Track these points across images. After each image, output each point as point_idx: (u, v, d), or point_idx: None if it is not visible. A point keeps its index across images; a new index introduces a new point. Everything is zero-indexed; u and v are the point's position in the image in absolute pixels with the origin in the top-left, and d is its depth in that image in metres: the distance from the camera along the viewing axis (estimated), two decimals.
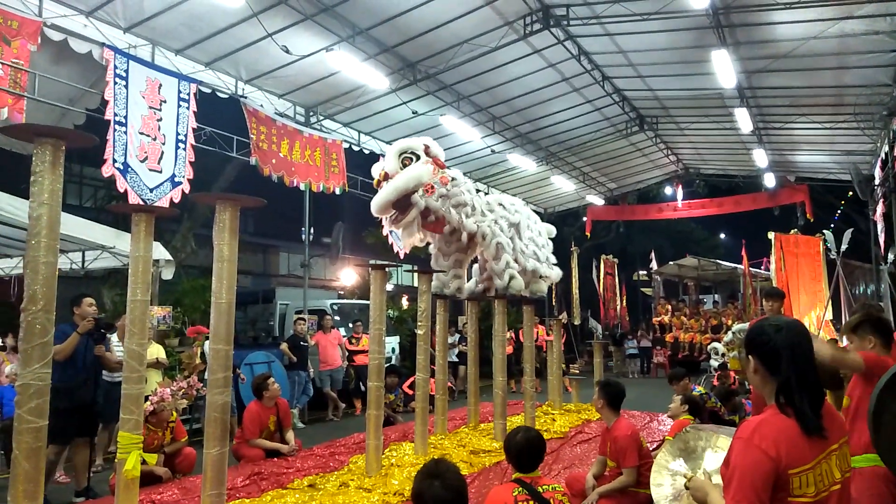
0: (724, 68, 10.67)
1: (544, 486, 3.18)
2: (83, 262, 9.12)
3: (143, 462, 4.07)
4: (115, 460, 3.92)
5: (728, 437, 2.55)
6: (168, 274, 8.74)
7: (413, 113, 12.32)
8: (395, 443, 6.44)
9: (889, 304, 14.57)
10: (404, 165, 5.90)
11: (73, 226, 7.51)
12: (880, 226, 15.16)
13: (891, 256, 15.15)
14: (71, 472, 6.23)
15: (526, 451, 3.27)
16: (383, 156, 12.84)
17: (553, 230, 8.22)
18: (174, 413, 5.89)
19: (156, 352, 7.58)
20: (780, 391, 1.86)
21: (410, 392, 9.44)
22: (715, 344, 12.76)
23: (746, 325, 11.09)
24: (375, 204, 5.94)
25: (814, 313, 14.60)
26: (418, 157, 6.00)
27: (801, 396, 1.83)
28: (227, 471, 3.92)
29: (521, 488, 3.12)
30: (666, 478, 2.63)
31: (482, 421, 7.57)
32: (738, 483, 1.78)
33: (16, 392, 3.07)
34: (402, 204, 5.91)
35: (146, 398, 5.28)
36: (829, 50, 10.38)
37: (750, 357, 1.96)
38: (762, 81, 12.28)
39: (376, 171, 6.16)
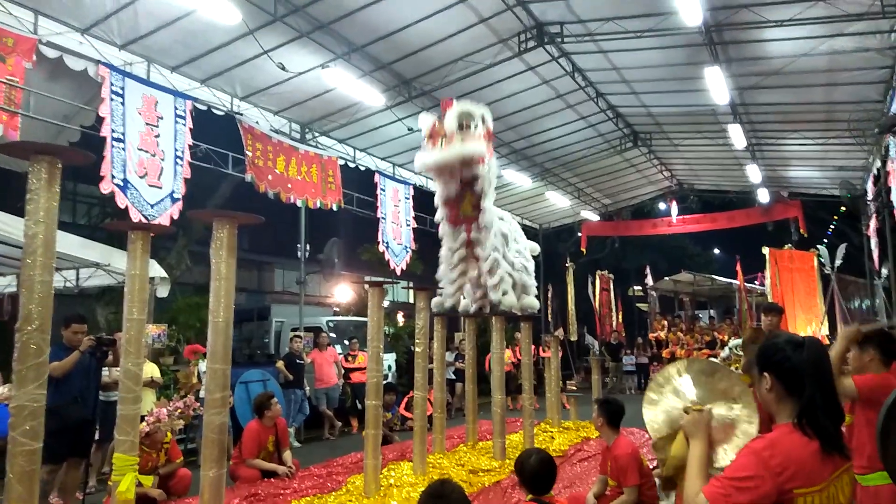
0: (716, 85, 10.76)
1: None
2: (77, 280, 9.04)
3: (138, 484, 4.00)
4: (110, 482, 3.85)
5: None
6: (163, 292, 8.67)
7: (409, 130, 12.33)
8: (394, 462, 6.37)
9: (884, 319, 14.61)
10: (461, 127, 6.00)
11: (68, 244, 7.45)
12: (874, 241, 15.24)
13: (884, 271, 15.22)
14: (63, 493, 6.12)
15: (541, 473, 3.23)
16: (380, 172, 12.85)
17: (536, 248, 8.09)
18: (169, 434, 5.81)
19: (150, 371, 7.50)
20: (803, 411, 1.81)
21: (408, 415, 9.35)
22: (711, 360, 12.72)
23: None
24: (431, 162, 6.12)
25: (809, 328, 14.64)
26: (476, 124, 6.11)
27: (825, 416, 1.80)
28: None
29: None
30: (662, 404, 2.62)
31: (480, 439, 7.50)
32: (731, 479, 1.78)
33: (9, 413, 3.01)
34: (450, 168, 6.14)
35: (142, 418, 5.20)
36: (820, 67, 10.49)
37: (766, 375, 1.90)
38: (755, 98, 12.38)
39: (425, 123, 6.27)
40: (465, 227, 6.50)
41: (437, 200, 6.56)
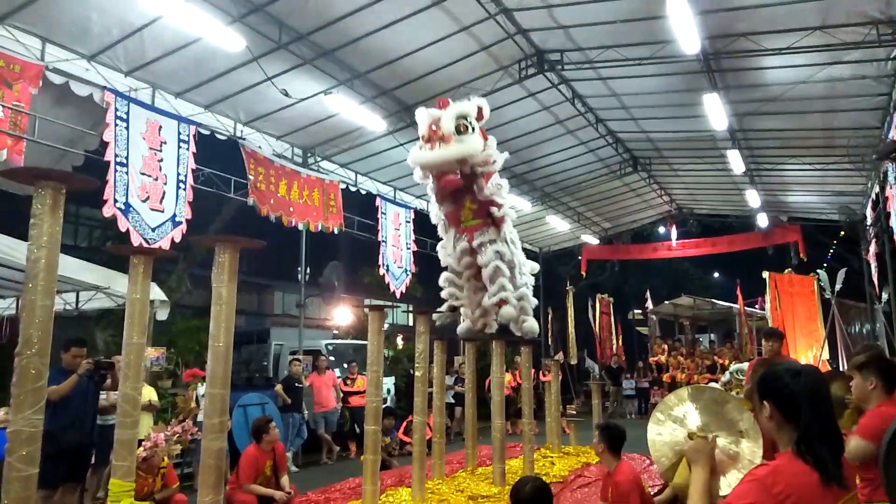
0: (715, 111, 10.87)
1: None
2: (77, 302, 9.05)
3: None
4: None
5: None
6: (163, 314, 8.67)
7: None
8: (392, 488, 6.31)
9: (885, 343, 14.55)
10: (458, 130, 5.94)
11: (68, 266, 7.47)
12: (874, 265, 15.25)
13: (885, 296, 15.20)
14: None
15: (536, 502, 3.20)
16: (381, 196, 12.92)
17: (536, 267, 7.94)
18: (165, 458, 5.77)
19: (148, 394, 7.46)
20: (801, 439, 1.81)
21: (407, 440, 9.29)
22: (712, 384, 12.65)
23: (745, 366, 11.03)
24: (426, 161, 6.00)
25: (810, 353, 14.58)
26: (472, 126, 6.08)
27: (821, 444, 1.79)
28: None
29: None
30: (666, 426, 2.59)
31: (480, 464, 7.44)
32: None
33: (6, 438, 3.00)
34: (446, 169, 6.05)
35: (139, 443, 5.17)
36: (818, 94, 10.60)
37: (765, 403, 1.91)
38: (753, 124, 12.49)
39: (422, 120, 6.14)
40: (467, 237, 6.42)
41: (434, 204, 6.52)
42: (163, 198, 8.13)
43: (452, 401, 12.66)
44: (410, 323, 10.07)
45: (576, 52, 10.22)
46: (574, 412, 13.84)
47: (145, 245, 7.48)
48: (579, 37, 9.82)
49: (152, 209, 7.97)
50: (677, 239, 20.40)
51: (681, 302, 21.31)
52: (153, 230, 7.93)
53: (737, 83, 10.80)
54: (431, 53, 9.56)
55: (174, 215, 8.26)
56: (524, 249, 7.94)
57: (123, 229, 7.66)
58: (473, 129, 6.05)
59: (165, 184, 8.19)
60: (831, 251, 20.97)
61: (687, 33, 8.38)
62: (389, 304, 7.55)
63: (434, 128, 5.96)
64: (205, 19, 7.42)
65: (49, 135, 8.04)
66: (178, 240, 8.24)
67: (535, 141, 13.48)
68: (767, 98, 10.97)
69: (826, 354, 14.56)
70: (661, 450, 2.62)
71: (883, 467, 2.70)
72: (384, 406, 9.37)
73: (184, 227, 8.37)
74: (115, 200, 7.53)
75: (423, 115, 6.20)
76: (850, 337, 15.67)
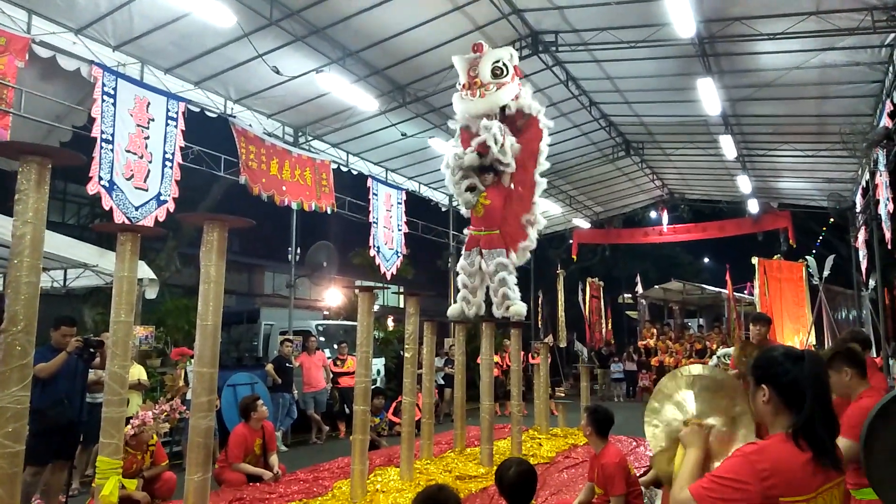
0: (709, 96, 10.84)
1: None
2: (65, 280, 8.98)
3: (122, 487, 3.97)
4: (93, 485, 3.82)
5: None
6: (152, 293, 8.62)
7: (402, 135, 12.35)
8: (381, 467, 6.35)
9: (870, 330, 14.71)
10: (494, 74, 6.71)
11: (56, 244, 7.41)
12: (862, 252, 15.36)
13: (872, 282, 15.34)
14: (46, 495, 6.06)
15: (520, 485, 3.22)
16: (373, 177, 12.87)
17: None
18: (154, 436, 5.77)
19: (137, 373, 7.45)
20: (802, 425, 1.82)
21: (396, 420, 9.33)
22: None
23: (731, 350, 11.12)
24: (474, 110, 6.82)
25: (797, 338, 14.73)
26: (507, 68, 6.77)
27: (823, 429, 1.81)
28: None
29: None
30: (663, 416, 2.63)
31: (468, 445, 7.49)
32: (717, 479, 1.81)
33: None
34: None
35: (127, 421, 5.16)
36: (811, 80, 10.58)
37: (763, 387, 1.91)
38: (746, 109, 12.47)
39: (461, 68, 6.92)
40: (477, 251, 6.92)
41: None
42: (147, 176, 8.05)
43: (442, 382, 12.72)
44: (401, 304, 10.05)
45: (570, 33, 10.14)
46: (562, 394, 13.98)
47: (134, 224, 7.42)
48: (574, 18, 9.73)
49: (136, 187, 7.89)
50: (668, 224, 20.46)
51: (670, 286, 21.45)
52: (136, 209, 7.86)
53: (731, 68, 10.77)
54: (424, 33, 9.46)
55: (159, 194, 8.18)
56: None
57: (107, 207, 7.59)
58: (508, 70, 6.76)
59: (151, 162, 8.11)
60: (820, 238, 21.11)
61: (682, 16, 8.33)
62: (380, 285, 7.57)
63: (472, 73, 6.73)
64: None
65: (36, 110, 7.92)
66: (162, 218, 8.17)
67: None
68: (761, 83, 10.95)
69: (813, 340, 14.71)
70: (657, 436, 2.64)
71: (863, 451, 2.73)
72: (373, 387, 9.40)
73: (170, 205, 8.29)
74: (100, 178, 7.46)
75: (461, 61, 6.94)
76: (837, 323, 15.82)
